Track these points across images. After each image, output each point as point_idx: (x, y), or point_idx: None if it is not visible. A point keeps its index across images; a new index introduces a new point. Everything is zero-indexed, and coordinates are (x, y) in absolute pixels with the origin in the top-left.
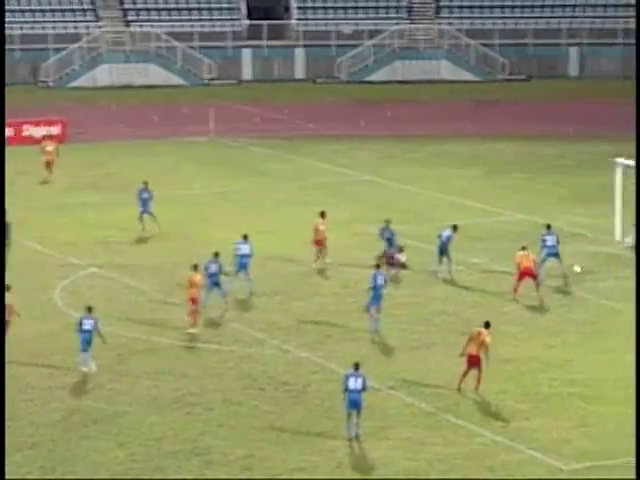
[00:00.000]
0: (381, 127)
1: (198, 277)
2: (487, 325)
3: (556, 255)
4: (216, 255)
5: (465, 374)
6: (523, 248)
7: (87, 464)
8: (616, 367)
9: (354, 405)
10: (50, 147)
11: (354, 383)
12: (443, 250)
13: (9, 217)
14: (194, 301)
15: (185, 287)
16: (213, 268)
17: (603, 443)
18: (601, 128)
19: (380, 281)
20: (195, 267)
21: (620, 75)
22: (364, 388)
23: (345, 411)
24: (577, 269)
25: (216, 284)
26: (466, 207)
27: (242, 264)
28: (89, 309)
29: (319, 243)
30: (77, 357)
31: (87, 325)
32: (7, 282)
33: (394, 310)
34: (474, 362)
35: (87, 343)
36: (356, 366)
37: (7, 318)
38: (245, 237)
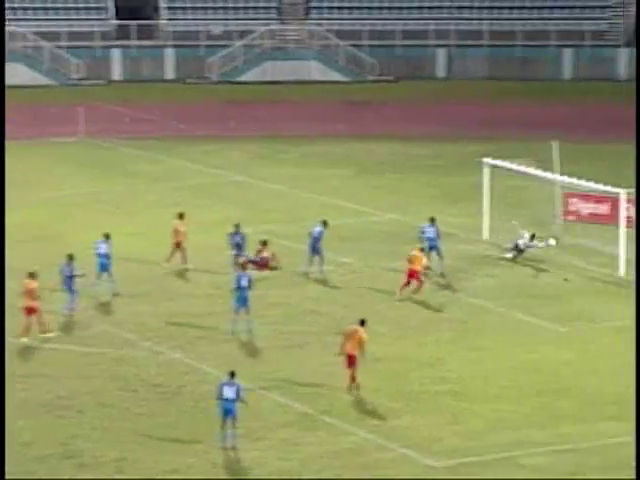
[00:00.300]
0: (252, 127)
1: (34, 284)
2: (362, 323)
3: (436, 249)
4: (70, 258)
5: (351, 374)
6: (421, 249)
7: None
8: (486, 365)
9: (228, 413)
10: None
11: (227, 392)
12: (315, 248)
13: None
14: (30, 311)
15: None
16: (67, 271)
17: (474, 440)
18: (469, 129)
19: (244, 282)
20: (31, 275)
21: (486, 76)
22: (238, 397)
23: (219, 419)
24: (552, 242)
25: (69, 287)
26: (337, 207)
27: (102, 264)
28: None
29: (179, 245)
30: None
31: None
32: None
33: (266, 311)
34: (352, 362)
35: None
36: (231, 374)
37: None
38: (106, 236)
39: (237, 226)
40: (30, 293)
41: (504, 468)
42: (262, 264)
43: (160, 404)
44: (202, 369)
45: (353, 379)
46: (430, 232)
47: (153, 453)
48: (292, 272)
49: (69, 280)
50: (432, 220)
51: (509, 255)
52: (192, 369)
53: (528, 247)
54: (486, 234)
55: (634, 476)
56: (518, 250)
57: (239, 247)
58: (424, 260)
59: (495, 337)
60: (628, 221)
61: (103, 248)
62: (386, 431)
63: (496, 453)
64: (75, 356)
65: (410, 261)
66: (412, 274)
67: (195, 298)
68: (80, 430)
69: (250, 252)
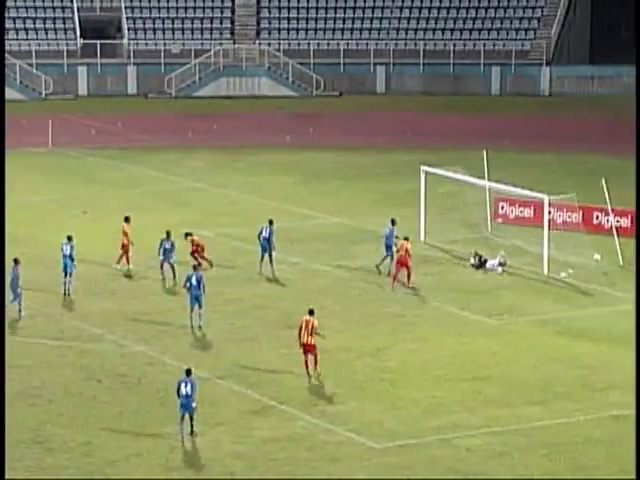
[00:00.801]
0: (209, 138)
1: None
2: (311, 312)
3: (389, 249)
4: (15, 262)
5: (306, 362)
6: (405, 238)
7: None
8: (423, 355)
9: (186, 409)
10: None
11: (184, 388)
12: (265, 247)
13: None
14: None
15: None
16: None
17: (411, 423)
18: (406, 139)
19: (194, 281)
20: None
21: (422, 91)
22: (193, 393)
23: (179, 413)
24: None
25: (14, 290)
26: (287, 211)
27: (65, 264)
28: None
29: (124, 246)
30: None
31: None
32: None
33: (221, 306)
34: (309, 349)
35: None
36: (187, 372)
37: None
38: (69, 238)
39: (168, 233)
40: None
41: (440, 449)
42: (198, 251)
43: (124, 393)
44: (163, 360)
45: (315, 365)
46: (388, 231)
47: (117, 438)
48: (245, 271)
49: (13, 282)
50: (393, 222)
51: (472, 261)
52: (154, 360)
53: (489, 268)
54: (422, 236)
55: (634, 476)
56: (481, 263)
57: (165, 252)
58: (408, 245)
59: (431, 329)
60: (551, 224)
61: (66, 249)
62: (331, 416)
63: (432, 435)
64: (45, 349)
65: (399, 250)
66: (402, 263)
67: (157, 295)
68: (49, 417)
69: (178, 255)
